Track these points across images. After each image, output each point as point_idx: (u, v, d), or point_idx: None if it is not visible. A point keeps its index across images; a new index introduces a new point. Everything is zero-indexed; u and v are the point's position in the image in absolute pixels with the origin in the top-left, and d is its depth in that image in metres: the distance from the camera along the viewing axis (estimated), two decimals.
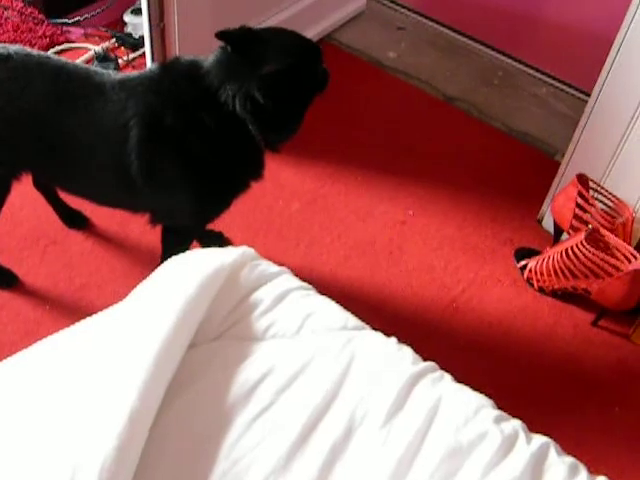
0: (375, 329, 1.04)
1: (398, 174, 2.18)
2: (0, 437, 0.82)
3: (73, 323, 1.62)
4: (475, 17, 3.04)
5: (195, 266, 0.95)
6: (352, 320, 1.00)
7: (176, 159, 1.43)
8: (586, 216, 1.87)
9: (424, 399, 0.90)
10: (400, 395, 0.89)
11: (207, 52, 2.08)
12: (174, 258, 1.03)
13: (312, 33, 2.56)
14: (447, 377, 0.96)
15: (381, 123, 2.37)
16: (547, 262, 1.88)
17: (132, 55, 2.48)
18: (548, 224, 2.05)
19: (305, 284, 1.05)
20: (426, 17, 2.87)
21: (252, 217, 1.97)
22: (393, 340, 1.00)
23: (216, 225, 1.82)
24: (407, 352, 0.98)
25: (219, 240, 1.87)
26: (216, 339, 0.94)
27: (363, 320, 1.05)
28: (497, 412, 0.95)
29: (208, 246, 1.79)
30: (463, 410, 0.92)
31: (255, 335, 0.94)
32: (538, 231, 2.08)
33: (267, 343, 0.93)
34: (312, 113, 2.30)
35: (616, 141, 1.83)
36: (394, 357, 0.95)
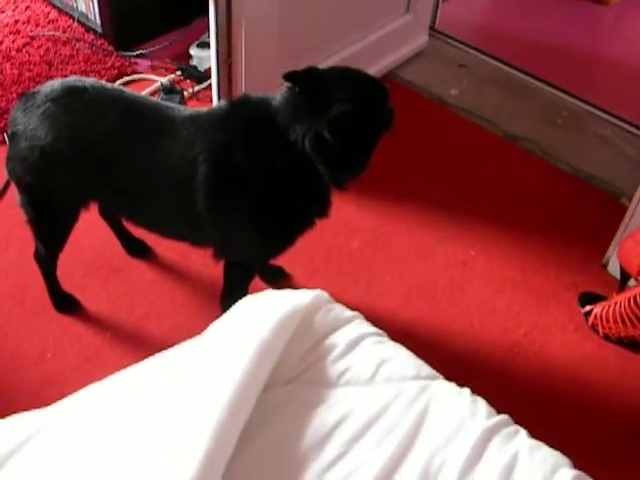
0: (437, 371, 1.02)
1: (460, 213, 2.16)
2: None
3: (132, 352, 1.63)
4: (537, 55, 3.03)
5: (269, 308, 0.95)
6: (425, 369, 0.98)
7: (243, 197, 1.44)
8: None
9: (499, 455, 0.88)
10: (475, 450, 0.87)
11: (273, 88, 2.10)
12: (247, 298, 1.03)
13: (374, 70, 2.57)
14: (522, 432, 0.93)
15: (443, 161, 2.35)
16: (613, 309, 1.83)
17: (197, 88, 2.52)
18: (614, 269, 2.00)
19: (378, 330, 1.04)
20: (488, 55, 2.86)
21: (313, 253, 1.97)
22: (467, 391, 0.98)
23: (277, 260, 1.82)
24: (481, 405, 0.95)
25: (280, 275, 1.88)
26: (290, 383, 0.93)
27: (424, 360, 1.04)
28: (575, 472, 0.91)
29: (269, 279, 1.81)
30: (540, 469, 0.89)
31: (329, 380, 0.93)
32: (603, 276, 2.03)
33: (341, 389, 0.92)
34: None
35: None
36: (468, 410, 0.93)
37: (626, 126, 2.59)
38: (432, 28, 2.92)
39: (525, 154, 2.42)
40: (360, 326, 1.01)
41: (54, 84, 1.51)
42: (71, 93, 1.48)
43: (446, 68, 2.77)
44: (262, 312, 0.95)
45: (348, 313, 1.03)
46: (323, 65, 2.26)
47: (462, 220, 2.13)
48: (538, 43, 3.13)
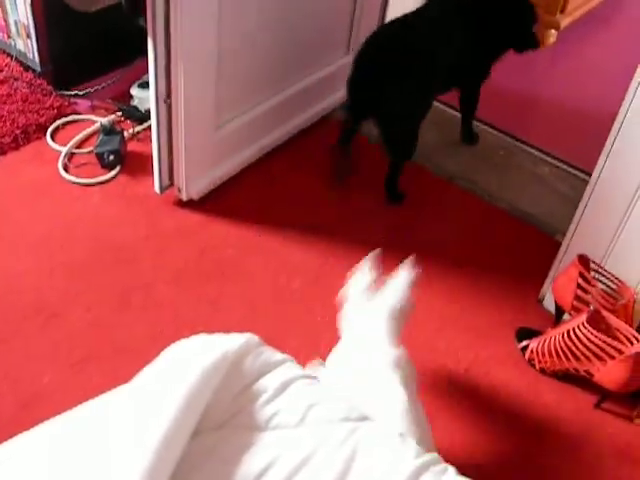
0: None
1: (398, 252, 2.17)
2: None
3: (71, 397, 1.60)
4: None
5: (199, 353, 0.95)
6: (355, 410, 0.99)
7: None
8: (587, 297, 1.87)
9: None
10: None
11: (212, 130, 2.13)
12: (178, 343, 1.03)
13: (314, 111, 2.61)
14: (450, 470, 0.94)
15: (382, 199, 2.38)
16: (548, 343, 1.87)
17: (138, 128, 2.51)
18: (549, 304, 2.05)
19: (309, 372, 1.04)
20: None
21: (252, 293, 1.97)
22: (396, 431, 0.99)
23: (215, 304, 1.82)
24: (410, 444, 0.96)
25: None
26: (220, 428, 0.93)
27: None
28: None
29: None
30: None
31: (258, 425, 0.93)
32: (539, 311, 2.08)
33: (270, 433, 0.92)
34: (316, 188, 2.34)
35: (616, 222, 1.85)
36: (397, 449, 0.93)
37: (561, 165, 2.66)
38: None
39: (464, 193, 2.47)
40: (290, 369, 1.01)
41: None
42: None
43: None
44: (191, 357, 0.95)
45: (278, 356, 1.03)
46: (263, 107, 2.33)
47: (401, 259, 2.15)
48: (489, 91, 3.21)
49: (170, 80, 1.96)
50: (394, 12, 3.01)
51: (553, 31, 3.59)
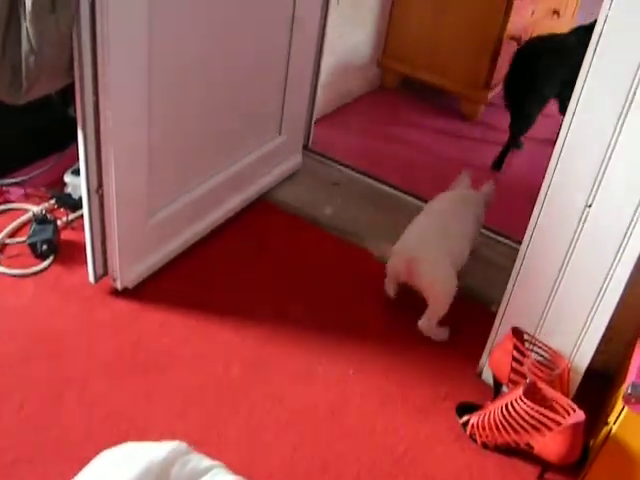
0: None
1: (337, 333, 2.19)
2: None
3: None
4: (408, 170, 3.18)
5: (124, 465, 0.93)
6: None
7: None
8: (523, 369, 1.90)
9: None
10: None
11: (145, 219, 2.13)
12: (103, 454, 1.00)
13: (249, 193, 2.64)
14: None
15: (320, 282, 2.40)
16: (488, 417, 1.88)
17: (72, 216, 2.49)
18: (488, 377, 2.07)
19: (237, 477, 1.02)
20: (360, 172, 2.99)
21: (190, 383, 1.94)
22: None
23: (151, 397, 1.79)
24: None
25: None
26: None
27: None
28: None
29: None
30: None
31: None
32: (478, 384, 2.09)
33: None
34: (251, 273, 2.35)
35: (547, 293, 1.88)
36: None
37: (493, 235, 2.72)
38: (306, 148, 3.03)
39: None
40: (217, 476, 1.00)
41: None
42: None
43: (320, 187, 2.86)
44: (116, 470, 0.93)
45: (206, 463, 1.01)
46: (196, 192, 2.34)
47: (340, 340, 2.17)
48: (408, 159, 3.30)
49: (101, 170, 1.96)
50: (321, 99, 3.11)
51: (479, 104, 3.72)
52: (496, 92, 3.76)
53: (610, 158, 1.66)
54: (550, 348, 1.92)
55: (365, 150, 3.32)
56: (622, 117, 1.60)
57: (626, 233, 1.69)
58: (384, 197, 2.87)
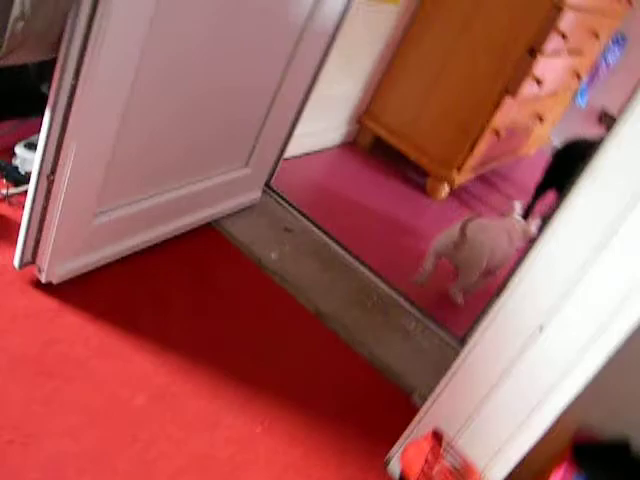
0: None
1: (253, 384, 2.10)
2: None
3: None
4: (363, 234, 3.14)
5: None
6: None
7: None
8: (433, 473, 1.84)
9: None
10: None
11: (88, 218, 2.02)
12: None
13: (201, 216, 2.55)
14: None
15: (249, 327, 2.31)
16: None
17: (12, 190, 2.35)
18: (394, 470, 2.00)
19: None
20: (315, 224, 2.92)
21: (92, 400, 1.81)
22: None
23: (49, 406, 1.67)
24: None
25: None
26: None
27: None
28: None
29: None
30: None
31: None
32: (383, 474, 2.02)
33: None
34: (184, 299, 2.25)
35: (477, 401, 1.84)
36: None
37: (431, 325, 2.68)
38: (267, 184, 2.96)
39: (330, 334, 2.43)
40: None
41: None
42: None
43: (272, 229, 2.79)
44: None
45: None
46: (149, 202, 2.24)
47: (254, 391, 2.07)
48: (367, 223, 3.26)
49: (59, 157, 1.84)
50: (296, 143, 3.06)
51: (446, 186, 3.72)
52: (464, 179, 3.77)
53: (572, 292, 1.64)
54: (464, 459, 1.87)
55: (324, 201, 3.27)
56: (591, 258, 1.60)
57: (570, 366, 1.66)
58: (331, 255, 2.81)
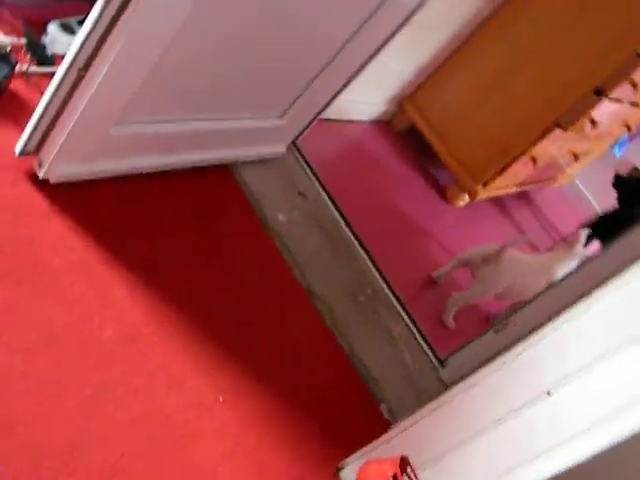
0: None
1: (227, 348, 1.95)
2: None
3: None
4: (376, 222, 3.00)
5: None
6: None
7: None
8: None
9: None
10: None
11: (112, 118, 1.84)
12: None
13: (221, 155, 2.38)
14: None
15: (237, 281, 2.15)
16: None
17: (33, 69, 2.16)
18: (347, 478, 1.88)
19: None
20: (329, 197, 2.76)
21: (57, 319, 1.66)
22: None
23: (10, 312, 1.51)
24: None
25: None
26: None
27: None
28: None
29: None
30: None
31: None
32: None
33: None
34: (179, 238, 2.09)
35: (454, 443, 1.74)
36: None
37: (415, 333, 2.56)
38: (293, 141, 2.79)
39: (316, 315, 2.29)
40: None
41: None
42: None
43: (287, 189, 2.63)
44: None
45: None
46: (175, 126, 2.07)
47: (227, 358, 1.93)
48: (380, 210, 3.12)
49: (98, 51, 1.66)
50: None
51: (466, 196, 3.58)
52: (486, 196, 3.63)
53: (591, 367, 1.53)
54: None
55: (343, 175, 3.11)
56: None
57: (569, 440, 1.54)
58: (338, 234, 2.66)
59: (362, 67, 2.58)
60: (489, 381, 1.72)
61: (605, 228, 3.30)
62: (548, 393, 1.56)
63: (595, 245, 3.06)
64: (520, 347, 1.65)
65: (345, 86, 2.64)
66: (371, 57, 2.55)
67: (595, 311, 1.53)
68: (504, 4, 3.33)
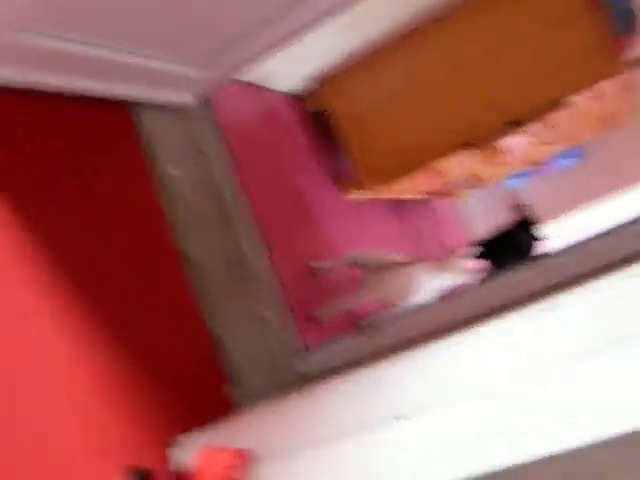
0: None
1: (78, 299, 1.81)
2: None
3: None
4: (263, 194, 2.89)
5: None
6: None
7: None
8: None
9: None
10: None
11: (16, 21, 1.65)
12: None
13: (124, 89, 2.20)
14: None
15: (106, 227, 2.00)
16: None
17: None
18: (178, 455, 1.78)
19: None
20: (228, 160, 2.62)
21: None
22: None
23: None
24: None
25: None
26: None
27: None
28: None
29: None
30: None
31: None
32: (163, 453, 1.79)
33: None
34: (55, 161, 1.91)
35: (298, 445, 1.67)
36: None
37: (285, 318, 2.47)
38: (205, 96, 2.63)
39: (184, 282, 2.17)
40: None
41: None
42: None
43: (187, 144, 2.47)
44: None
45: None
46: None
47: (81, 310, 1.78)
48: (278, 187, 3.02)
49: None
50: None
51: (360, 190, 3.53)
52: (385, 195, 3.59)
53: (449, 402, 1.49)
54: None
55: (248, 142, 2.98)
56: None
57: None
58: (231, 202, 2.52)
59: (293, 37, 2.46)
60: (347, 388, 1.65)
61: (491, 249, 3.33)
62: (399, 418, 1.52)
63: (476, 264, 3.09)
64: (384, 364, 1.60)
65: (272, 52, 2.51)
66: (304, 30, 2.43)
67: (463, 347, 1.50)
68: (451, 11, 3.28)
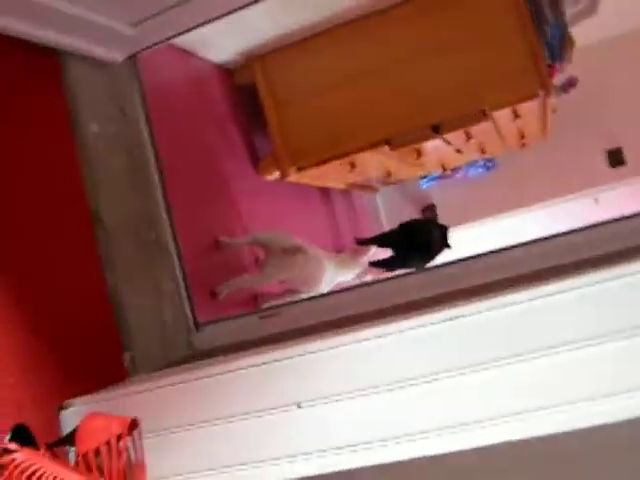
0: None
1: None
2: None
3: None
4: (179, 163, 2.85)
5: None
6: None
7: None
8: (103, 458, 1.61)
9: None
10: None
11: None
12: None
13: (52, 37, 2.13)
14: None
15: (17, 178, 1.94)
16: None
17: None
18: (67, 420, 1.75)
19: None
20: (147, 120, 2.56)
21: None
22: None
23: None
24: None
25: None
26: None
27: None
28: None
29: None
30: None
31: None
32: (54, 407, 1.76)
33: None
34: None
35: (192, 420, 1.67)
36: None
37: (183, 290, 2.45)
38: (134, 56, 2.56)
39: (91, 243, 2.14)
40: None
41: None
42: None
43: (110, 101, 2.40)
44: None
45: None
46: None
47: None
48: (195, 157, 2.98)
49: None
50: None
51: (277, 172, 3.53)
52: (299, 180, 3.60)
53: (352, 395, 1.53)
54: (143, 458, 1.66)
55: (171, 108, 2.93)
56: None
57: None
58: (143, 161, 2.46)
59: (234, 9, 2.43)
60: (242, 370, 1.65)
61: (397, 244, 3.36)
62: (298, 406, 1.54)
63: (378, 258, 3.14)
64: (280, 352, 1.60)
65: (209, 21, 2.48)
66: (242, 4, 2.41)
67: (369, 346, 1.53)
68: (390, 7, 3.29)
